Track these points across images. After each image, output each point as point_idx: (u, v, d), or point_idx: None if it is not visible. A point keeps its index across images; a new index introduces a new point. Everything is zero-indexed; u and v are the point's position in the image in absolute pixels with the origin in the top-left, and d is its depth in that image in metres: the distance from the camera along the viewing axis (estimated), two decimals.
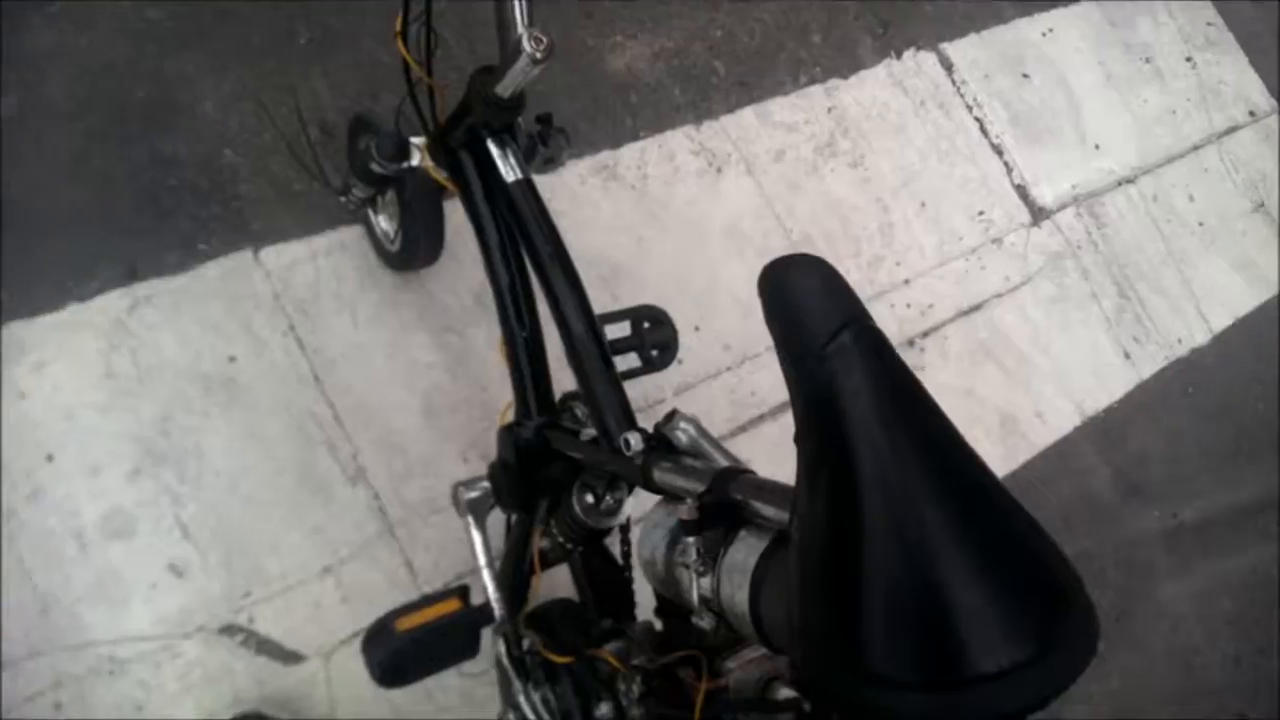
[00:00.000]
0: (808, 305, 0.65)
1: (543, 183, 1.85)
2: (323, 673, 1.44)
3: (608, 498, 1.05)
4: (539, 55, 0.96)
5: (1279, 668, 2.34)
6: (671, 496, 0.86)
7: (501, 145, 1.12)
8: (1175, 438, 2.44)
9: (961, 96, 2.46)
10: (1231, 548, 2.43)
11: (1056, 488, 2.23)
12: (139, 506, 1.43)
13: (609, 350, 1.06)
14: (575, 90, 1.98)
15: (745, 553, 0.72)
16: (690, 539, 0.76)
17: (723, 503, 0.76)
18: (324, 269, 1.65)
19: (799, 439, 0.64)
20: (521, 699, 1.09)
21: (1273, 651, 2.36)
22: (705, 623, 0.77)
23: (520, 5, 0.98)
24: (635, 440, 0.93)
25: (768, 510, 0.73)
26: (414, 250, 1.51)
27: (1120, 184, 2.64)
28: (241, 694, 1.38)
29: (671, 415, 0.93)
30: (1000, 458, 2.15)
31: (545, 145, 1.15)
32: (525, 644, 1.06)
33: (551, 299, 1.08)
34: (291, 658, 1.44)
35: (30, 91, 1.55)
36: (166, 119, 1.63)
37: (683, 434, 0.92)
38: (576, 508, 1.03)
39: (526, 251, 1.11)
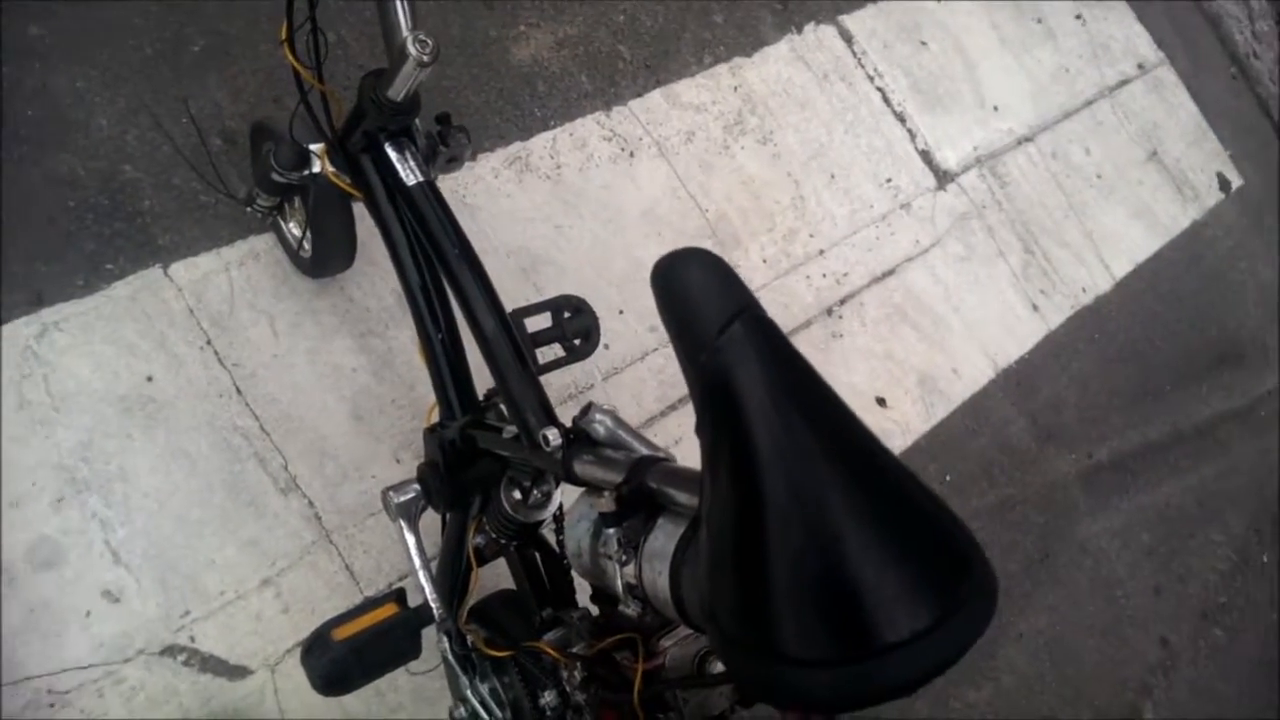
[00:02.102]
0: (699, 299, 0.67)
1: (456, 177, 1.87)
2: (270, 684, 1.44)
3: (535, 492, 1.07)
4: (425, 58, 0.97)
5: (1197, 594, 2.49)
6: (593, 488, 0.88)
7: (400, 149, 1.13)
8: (1085, 383, 2.56)
9: (863, 67, 2.52)
10: (1146, 484, 2.57)
11: (977, 440, 2.33)
12: (66, 535, 1.40)
13: (525, 346, 1.07)
14: (481, 83, 1.98)
15: (663, 539, 0.75)
16: (610, 530, 0.78)
17: (639, 492, 0.78)
18: (237, 280, 1.63)
19: (699, 429, 0.66)
20: (469, 693, 1.12)
21: (1190, 579, 2.51)
22: (632, 610, 0.79)
23: (403, 9, 0.99)
24: (553, 436, 0.95)
25: (682, 497, 0.75)
26: (326, 256, 1.50)
27: (1020, 143, 2.74)
28: (189, 713, 1.37)
29: (588, 408, 0.95)
30: (921, 415, 2.24)
31: (446, 145, 1.16)
32: (469, 640, 1.08)
33: (461, 300, 1.09)
34: (237, 672, 1.43)
35: None
36: (60, 138, 1.58)
37: (600, 426, 0.94)
38: (505, 504, 1.05)
39: (434, 254, 1.12)
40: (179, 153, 1.62)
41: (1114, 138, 2.96)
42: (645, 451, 0.89)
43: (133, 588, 1.41)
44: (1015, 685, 2.08)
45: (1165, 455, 2.65)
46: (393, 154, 1.12)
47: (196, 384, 1.56)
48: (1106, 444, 2.52)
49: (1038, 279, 2.59)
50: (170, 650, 1.40)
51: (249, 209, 1.48)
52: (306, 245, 1.50)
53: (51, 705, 1.30)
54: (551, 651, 0.92)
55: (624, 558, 0.77)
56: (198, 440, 1.53)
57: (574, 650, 0.91)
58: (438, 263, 1.12)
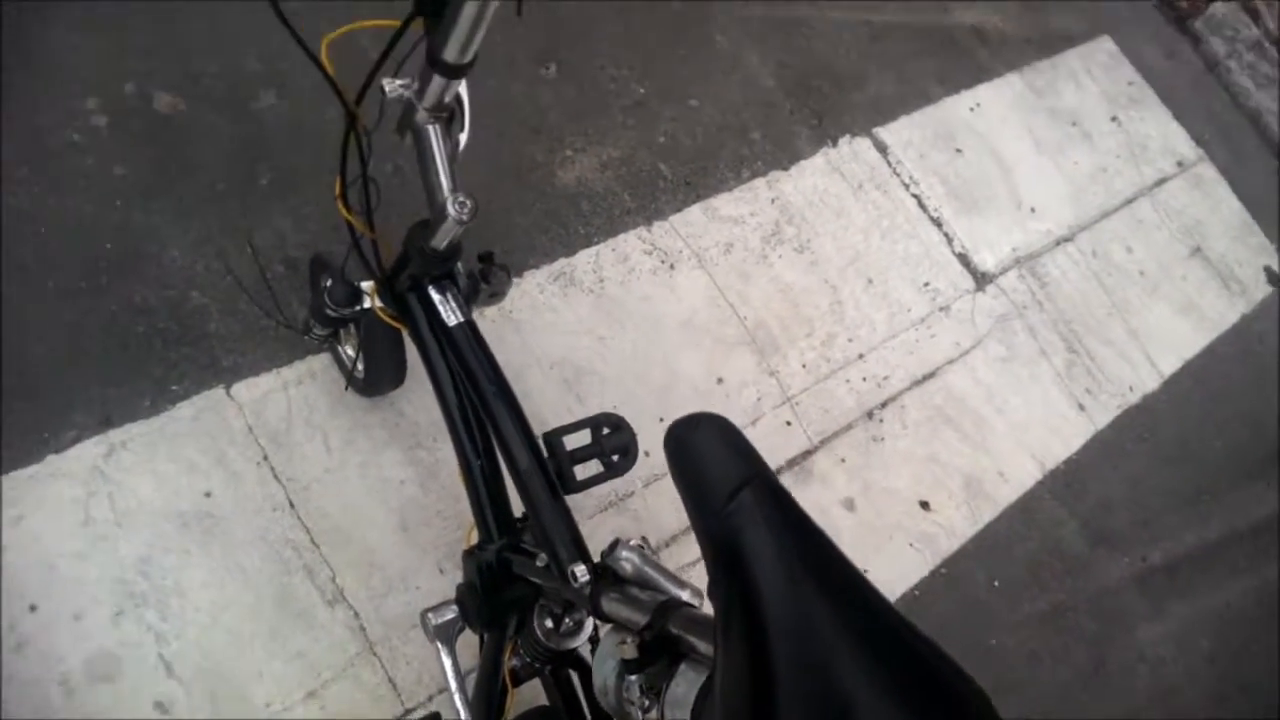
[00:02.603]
0: (708, 465, 0.69)
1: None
2: None
3: (567, 620, 1.09)
4: (464, 218, 1.05)
5: (1262, 702, 2.37)
6: (620, 627, 0.90)
7: (442, 291, 1.20)
8: (1136, 483, 2.51)
9: (898, 175, 2.58)
10: (1204, 586, 2.49)
11: (1025, 543, 2.29)
12: (123, 648, 1.46)
13: (563, 465, 1.10)
14: (528, 205, 2.08)
15: (685, 688, 0.74)
16: (632, 677, 0.79)
17: (662, 637, 0.79)
18: (295, 398, 1.72)
19: (710, 593, 0.67)
20: None
21: (1253, 687, 2.39)
22: None
23: (444, 171, 1.07)
24: (581, 572, 0.97)
25: (703, 645, 0.75)
26: (377, 378, 1.58)
27: (1059, 243, 2.76)
28: None
29: (615, 545, 0.96)
30: (966, 519, 2.21)
31: (488, 283, 1.23)
32: None
33: (496, 435, 1.14)
34: None
35: (4, 256, 1.63)
36: (135, 268, 1.71)
37: (627, 564, 0.94)
38: (538, 631, 1.08)
39: (471, 389, 1.17)
40: (239, 284, 1.72)
41: (1155, 235, 2.96)
42: (672, 591, 0.91)
43: (183, 701, 1.45)
44: None
45: (1223, 556, 2.56)
46: (435, 296, 1.20)
47: (252, 499, 1.62)
48: (1160, 546, 2.46)
49: (1083, 378, 2.57)
50: None
51: (305, 336, 1.56)
52: (359, 368, 1.59)
53: None
54: None
55: (646, 704, 0.78)
56: (251, 554, 1.59)
57: None
58: (475, 397, 1.18)
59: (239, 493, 1.62)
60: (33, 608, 1.44)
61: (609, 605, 0.91)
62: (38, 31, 1.82)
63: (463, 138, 1.12)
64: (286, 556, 1.61)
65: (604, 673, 0.86)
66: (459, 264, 1.23)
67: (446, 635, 1.16)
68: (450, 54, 0.96)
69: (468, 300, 1.24)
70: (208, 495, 1.60)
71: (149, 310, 1.69)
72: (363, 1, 1.08)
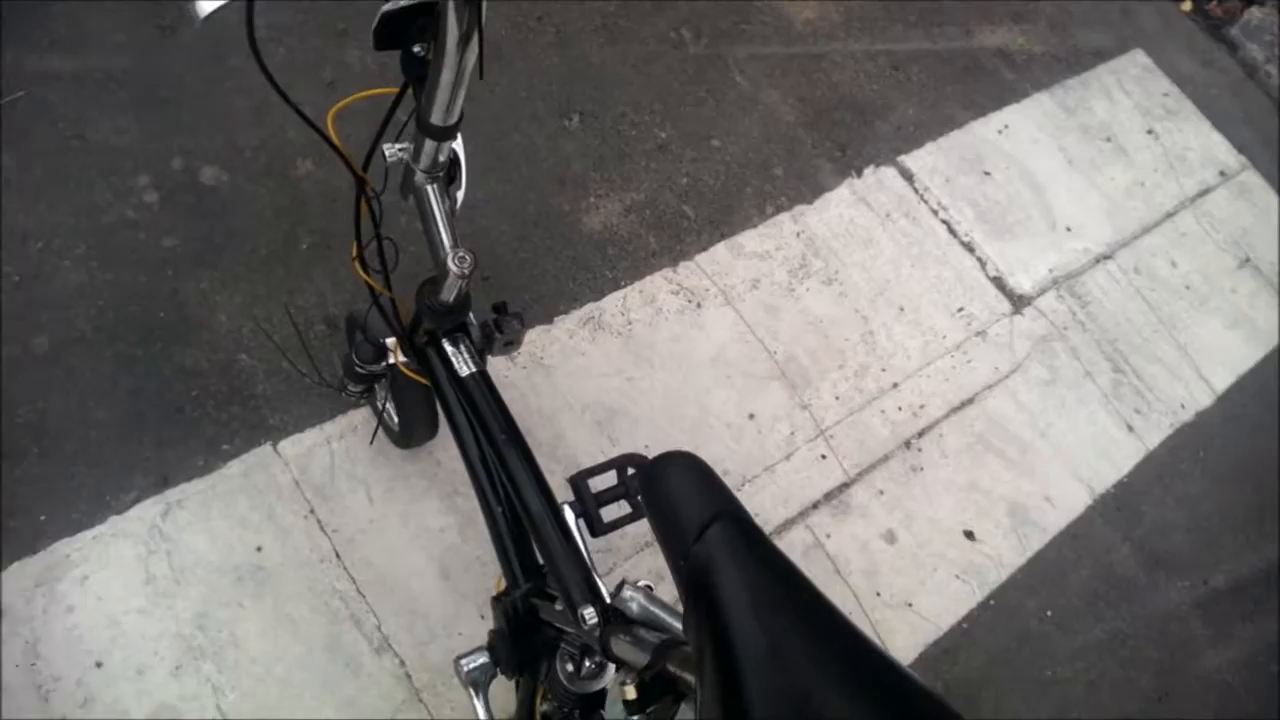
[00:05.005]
0: (678, 503, 0.72)
1: (534, 339, 2.00)
2: None
3: (587, 663, 1.11)
4: (465, 272, 1.10)
5: None
6: (628, 667, 0.92)
7: (455, 343, 1.25)
8: (1193, 504, 2.44)
9: (925, 203, 2.59)
10: (1271, 608, 2.40)
11: (1078, 571, 2.24)
12: (183, 701, 1.53)
13: (589, 507, 1.10)
14: (555, 252, 2.14)
15: None
16: (635, 717, 0.81)
17: (661, 677, 0.81)
18: (338, 452, 1.79)
19: (685, 630, 0.69)
20: None
21: None
22: None
23: (444, 229, 1.13)
24: (590, 614, 0.99)
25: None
26: (411, 430, 1.63)
27: (1098, 261, 2.73)
28: None
29: (620, 586, 0.98)
30: (1014, 548, 2.18)
31: (501, 332, 1.28)
32: None
33: (510, 483, 1.17)
34: None
35: (61, 328, 1.74)
36: (186, 334, 1.80)
37: (633, 604, 0.96)
38: (560, 675, 1.10)
39: (485, 438, 1.22)
40: (278, 348, 1.81)
41: (1201, 247, 2.90)
42: (678, 631, 0.93)
43: None
44: None
45: None
46: (449, 349, 1.25)
47: (300, 551, 1.69)
48: (1222, 568, 2.38)
49: (1130, 398, 2.52)
50: None
51: (343, 394, 1.63)
52: (395, 420, 1.65)
53: None
54: None
55: None
56: (300, 605, 1.65)
57: None
58: (488, 446, 1.22)
59: (288, 546, 1.69)
60: (99, 664, 1.51)
61: (618, 646, 0.93)
62: (93, 115, 1.94)
63: (460, 195, 1.18)
64: (334, 606, 1.66)
65: (613, 715, 0.89)
66: (470, 315, 1.27)
67: (477, 681, 1.18)
68: (436, 117, 1.01)
69: (483, 350, 1.28)
70: (259, 549, 1.67)
71: (200, 374, 1.78)
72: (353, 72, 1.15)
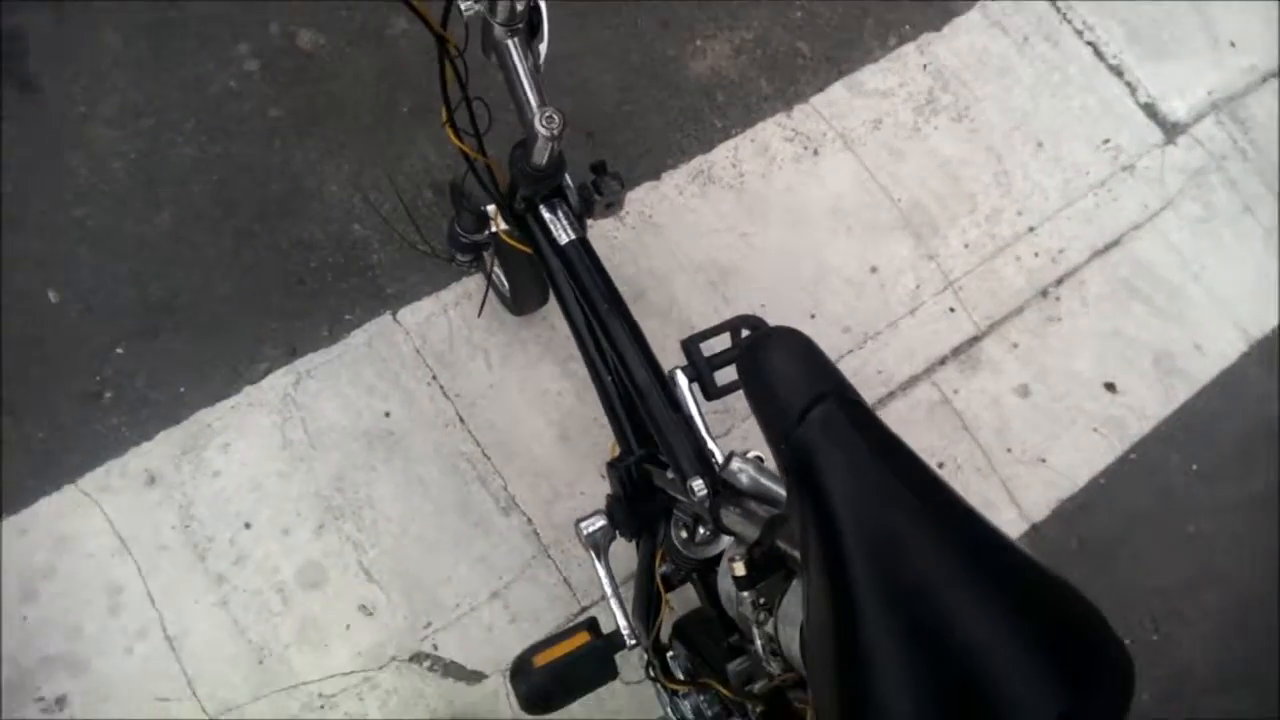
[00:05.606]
0: (779, 383, 0.66)
1: (642, 198, 1.93)
2: (503, 688, 1.58)
3: (701, 529, 1.09)
4: (554, 133, 1.03)
5: None
6: (739, 539, 0.89)
7: (552, 209, 1.19)
8: None
9: (1069, 23, 2.32)
10: None
11: (1228, 422, 2.09)
12: (327, 557, 1.61)
13: (703, 372, 1.05)
14: (662, 104, 2.02)
15: (796, 603, 0.73)
16: (744, 594, 0.78)
17: (772, 553, 0.77)
18: (455, 320, 1.79)
19: (788, 514, 0.64)
20: (670, 710, 1.18)
21: None
22: (774, 666, 0.78)
23: (530, 89, 1.06)
24: (699, 487, 0.96)
25: None
26: (522, 297, 1.61)
27: (1264, 79, 2.41)
28: (435, 714, 1.54)
29: (729, 458, 0.93)
30: (1158, 399, 2.04)
31: (600, 194, 1.20)
32: (653, 667, 1.13)
33: (615, 353, 1.13)
34: (474, 676, 1.59)
35: (180, 205, 1.76)
36: (300, 206, 1.81)
37: (743, 475, 0.91)
38: (675, 541, 1.09)
39: (587, 306, 1.17)
40: (386, 221, 1.79)
41: None
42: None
43: (383, 602, 1.60)
44: None
45: None
46: (546, 215, 1.19)
47: (426, 416, 1.73)
48: None
49: None
50: (417, 657, 1.57)
51: (452, 263, 1.61)
52: (506, 288, 1.62)
53: (321, 707, 1.51)
54: (724, 690, 0.95)
55: (761, 618, 0.77)
56: (430, 467, 1.70)
57: (749, 688, 0.93)
58: (591, 314, 1.17)
59: (414, 411, 1.72)
60: (247, 525, 1.61)
61: (728, 518, 0.90)
62: None
63: (543, 49, 1.10)
64: (462, 468, 1.71)
65: (725, 586, 0.86)
66: (567, 178, 1.21)
67: (597, 543, 1.19)
68: None
69: (582, 215, 1.22)
70: (387, 415, 1.71)
71: (316, 245, 1.79)
72: None
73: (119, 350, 1.68)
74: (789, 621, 0.74)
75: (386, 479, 1.68)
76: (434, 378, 1.75)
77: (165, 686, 1.50)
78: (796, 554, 0.73)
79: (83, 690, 1.48)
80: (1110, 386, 2.04)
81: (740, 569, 0.77)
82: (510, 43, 1.08)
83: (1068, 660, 0.52)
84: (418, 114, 1.91)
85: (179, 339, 1.70)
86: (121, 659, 1.50)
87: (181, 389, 1.67)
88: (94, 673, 1.49)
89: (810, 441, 0.62)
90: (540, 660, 1.06)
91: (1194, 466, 2.04)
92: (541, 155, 1.11)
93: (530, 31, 1.11)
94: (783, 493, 0.89)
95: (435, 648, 1.59)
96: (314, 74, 1.90)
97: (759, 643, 0.78)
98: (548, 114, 1.03)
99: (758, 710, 0.91)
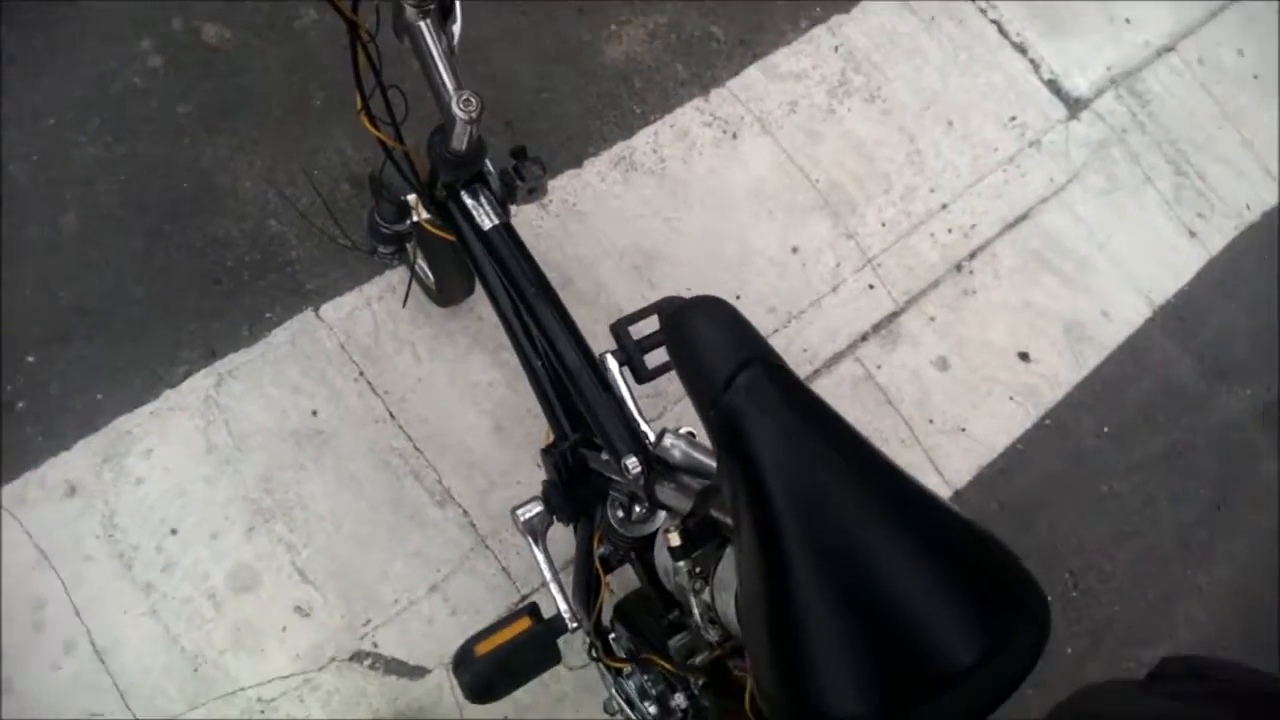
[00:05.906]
0: (706, 350, 0.67)
1: (564, 185, 1.93)
2: (447, 682, 1.58)
3: (636, 509, 1.11)
4: (471, 116, 1.03)
5: None
6: (674, 513, 0.91)
7: (474, 195, 1.19)
8: (1256, 310, 2.35)
9: (973, 1, 2.39)
10: None
11: (1136, 385, 2.20)
12: (259, 560, 1.59)
13: (633, 355, 1.06)
14: (580, 90, 2.03)
15: (730, 569, 0.74)
16: (679, 563, 0.80)
17: (705, 523, 0.79)
18: (379, 313, 1.77)
19: (718, 479, 0.66)
20: (614, 690, 1.20)
21: None
22: (712, 635, 0.80)
23: (445, 73, 1.05)
24: (632, 464, 0.97)
25: None
26: (447, 288, 1.60)
27: (1159, 54, 2.53)
28: (379, 713, 1.53)
29: (662, 435, 0.95)
30: (1070, 366, 2.13)
31: (523, 179, 1.20)
32: (594, 648, 1.15)
33: (542, 335, 1.14)
34: (416, 672, 1.58)
35: (87, 206, 1.70)
36: (213, 204, 1.76)
37: (675, 450, 0.93)
38: (611, 521, 1.11)
39: (514, 291, 1.17)
40: (303, 216, 1.76)
41: (1270, 33, 2.67)
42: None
43: (320, 602, 1.58)
44: (1196, 642, 1.97)
45: None
46: (469, 201, 1.19)
47: (355, 413, 1.71)
48: None
49: (1193, 202, 2.39)
50: (357, 656, 1.56)
51: (374, 256, 1.59)
52: (429, 278, 1.61)
53: (261, 712, 1.49)
54: (666, 665, 0.97)
55: (697, 586, 0.79)
56: (361, 464, 1.68)
57: (690, 662, 0.95)
58: (518, 300, 1.18)
59: (342, 408, 1.70)
60: (173, 531, 1.57)
61: (662, 493, 0.92)
62: None
63: (456, 30, 1.09)
64: (394, 464, 1.69)
65: (662, 560, 0.88)
66: (488, 164, 1.21)
67: (534, 529, 1.19)
68: None
69: (505, 200, 1.22)
70: (314, 413, 1.69)
71: (232, 243, 1.75)
72: None
73: (29, 358, 1.62)
74: (724, 588, 0.76)
75: (317, 478, 1.66)
76: (361, 374, 1.73)
77: (97, 701, 1.46)
78: (730, 521, 0.75)
79: (7, 712, 1.43)
80: (1024, 356, 2.12)
81: (675, 539, 0.79)
82: (423, 24, 1.07)
83: (988, 603, 0.54)
84: (332, 106, 1.87)
85: (93, 344, 1.64)
86: (49, 676, 1.46)
87: (98, 395, 1.62)
88: (18, 692, 1.44)
89: (737, 406, 0.63)
90: (482, 649, 1.06)
91: (1105, 429, 2.13)
92: (461, 140, 1.10)
93: (443, 13, 1.10)
94: (713, 465, 0.91)
95: (375, 645, 1.58)
96: (221, 68, 1.85)
97: (697, 612, 0.80)
98: (465, 97, 1.03)
99: (700, 682, 0.93)
